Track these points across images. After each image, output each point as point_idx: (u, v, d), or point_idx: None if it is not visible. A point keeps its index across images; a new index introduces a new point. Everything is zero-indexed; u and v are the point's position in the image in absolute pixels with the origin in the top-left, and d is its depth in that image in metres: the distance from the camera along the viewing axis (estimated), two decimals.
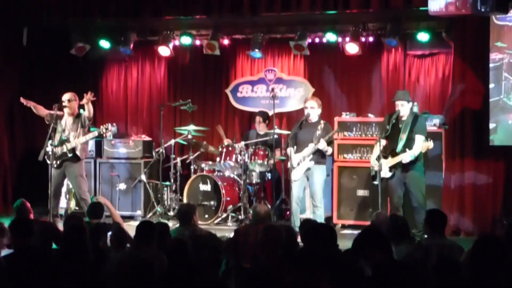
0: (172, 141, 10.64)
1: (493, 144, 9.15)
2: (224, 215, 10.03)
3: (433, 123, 9.42)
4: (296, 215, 8.81)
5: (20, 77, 11.09)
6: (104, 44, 11.40)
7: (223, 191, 9.95)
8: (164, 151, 10.48)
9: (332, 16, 9.82)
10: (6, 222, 5.71)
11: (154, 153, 10.63)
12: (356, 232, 8.08)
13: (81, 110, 9.27)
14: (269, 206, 9.69)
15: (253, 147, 10.07)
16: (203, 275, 4.77)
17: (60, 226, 7.64)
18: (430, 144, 8.41)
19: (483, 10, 7.67)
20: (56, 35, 11.36)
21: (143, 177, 10.61)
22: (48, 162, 9.09)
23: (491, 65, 9.09)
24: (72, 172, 9.12)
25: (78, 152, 9.08)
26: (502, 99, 9.09)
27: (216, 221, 9.98)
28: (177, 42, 11.19)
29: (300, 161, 8.82)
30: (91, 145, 10.70)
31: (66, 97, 9.22)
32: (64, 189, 9.97)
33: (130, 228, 6.43)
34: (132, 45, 11.28)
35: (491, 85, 9.11)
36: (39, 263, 4.95)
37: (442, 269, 4.43)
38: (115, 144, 10.96)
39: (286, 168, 9.80)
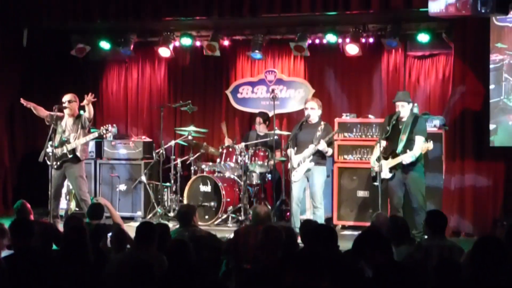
0: (172, 142, 10.65)
1: (493, 145, 9.15)
2: (224, 216, 10.03)
3: (433, 124, 9.42)
4: (296, 216, 8.80)
5: (20, 78, 11.10)
6: (104, 45, 11.41)
7: (223, 192, 9.95)
8: (164, 152, 10.48)
9: (332, 17, 9.82)
10: (7, 223, 5.71)
11: (154, 154, 10.63)
12: (356, 233, 8.12)
13: (81, 111, 9.28)
14: (269, 207, 9.70)
15: (253, 148, 10.08)
16: (203, 276, 4.77)
17: (60, 227, 7.66)
18: (430, 145, 8.41)
19: (483, 11, 7.68)
20: (56, 36, 11.37)
21: (143, 178, 10.61)
22: (48, 163, 9.09)
23: (491, 66, 9.09)
24: (72, 173, 9.12)
25: (78, 153, 9.08)
26: (502, 100, 9.09)
27: (216, 222, 9.98)
28: (177, 43, 11.20)
29: (300, 162, 8.82)
30: (91, 146, 10.70)
31: (66, 98, 9.22)
32: (64, 190, 9.98)
33: (130, 229, 6.43)
34: (132, 46, 11.29)
35: (492, 86, 9.11)
36: (39, 264, 4.95)
37: (442, 270, 4.43)
38: (115, 145, 10.97)
39: (286, 169, 9.80)
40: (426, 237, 6.12)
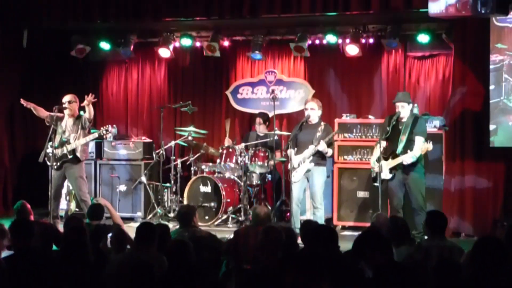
0: (173, 143, 10.65)
1: (493, 145, 9.15)
2: (224, 216, 10.03)
3: (433, 124, 9.42)
4: (296, 217, 8.80)
5: (20, 78, 11.11)
6: (104, 45, 11.42)
7: (223, 193, 9.95)
8: (164, 153, 10.48)
9: (332, 17, 9.83)
10: (7, 224, 5.71)
11: (154, 155, 10.64)
12: (356, 233, 8.12)
13: (81, 112, 9.28)
14: (269, 208, 9.70)
15: (253, 148, 10.08)
16: (203, 276, 4.77)
17: (60, 227, 7.65)
18: (430, 146, 8.42)
19: (483, 11, 7.69)
20: (57, 36, 11.37)
21: (143, 179, 10.61)
22: (48, 163, 9.09)
23: (491, 66, 9.09)
24: (72, 173, 9.12)
25: (78, 154, 9.08)
26: (502, 101, 9.09)
27: (216, 223, 9.98)
28: (177, 44, 11.20)
29: (300, 163, 8.82)
30: (92, 147, 10.70)
31: (66, 98, 9.22)
32: (64, 191, 9.98)
33: (130, 229, 6.43)
34: (132, 47, 11.30)
35: (491, 87, 9.11)
36: (39, 265, 4.94)
37: (442, 270, 4.43)
38: (116, 146, 10.97)
39: (286, 170, 9.80)
40: (426, 237, 6.12)
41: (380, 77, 10.74)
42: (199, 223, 7.76)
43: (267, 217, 6.62)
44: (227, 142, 10.55)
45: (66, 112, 9.19)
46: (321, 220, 8.58)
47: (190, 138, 10.53)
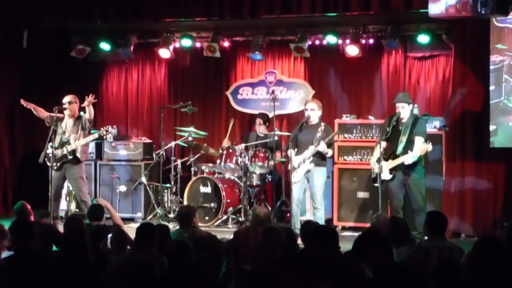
0: (173, 143, 10.64)
1: (493, 146, 9.15)
2: (225, 217, 10.03)
3: (433, 125, 9.42)
4: (297, 217, 8.80)
5: (20, 79, 11.10)
6: (105, 46, 11.42)
7: (224, 193, 9.95)
8: (164, 153, 10.48)
9: (333, 18, 9.83)
10: (7, 224, 5.71)
11: (154, 155, 10.64)
12: (356, 234, 8.11)
13: (82, 112, 9.28)
14: (269, 208, 9.69)
15: (253, 149, 10.08)
16: (203, 277, 4.77)
17: (61, 228, 7.65)
18: (429, 146, 8.41)
19: (483, 12, 7.69)
20: (57, 36, 11.37)
21: (144, 179, 10.61)
22: (49, 164, 9.09)
23: (491, 67, 9.09)
24: (73, 174, 9.12)
25: (78, 154, 9.08)
26: (502, 101, 9.09)
27: (216, 223, 9.98)
28: (177, 44, 11.20)
29: (300, 163, 8.82)
30: (92, 147, 10.69)
31: (66, 99, 9.22)
32: (64, 191, 9.98)
33: (131, 230, 6.43)
34: (132, 47, 11.30)
35: (492, 87, 9.11)
36: (40, 265, 4.94)
37: (442, 271, 4.43)
38: (116, 146, 10.97)
39: (287, 170, 9.80)
40: (426, 238, 6.12)
41: (380, 78, 10.74)
42: (199, 224, 7.76)
43: (267, 217, 6.62)
44: (225, 143, 10.55)
45: (66, 112, 9.19)
46: (321, 221, 8.57)
47: (190, 138, 10.53)
